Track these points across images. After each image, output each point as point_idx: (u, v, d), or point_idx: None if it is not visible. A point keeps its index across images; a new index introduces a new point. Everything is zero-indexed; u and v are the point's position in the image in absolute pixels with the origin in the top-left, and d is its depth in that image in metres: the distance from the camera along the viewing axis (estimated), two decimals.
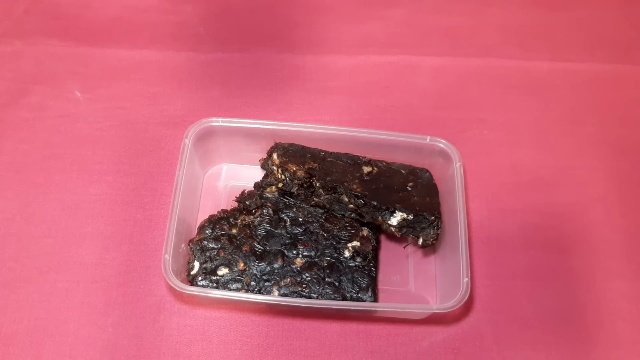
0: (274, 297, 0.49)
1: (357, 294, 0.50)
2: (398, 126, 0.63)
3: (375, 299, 0.50)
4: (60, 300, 0.52)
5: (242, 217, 0.53)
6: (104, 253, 0.54)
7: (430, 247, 0.53)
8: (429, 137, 0.55)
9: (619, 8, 0.74)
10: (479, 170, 0.61)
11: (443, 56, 0.69)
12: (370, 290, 0.50)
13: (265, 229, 0.52)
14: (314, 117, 0.64)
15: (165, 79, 0.65)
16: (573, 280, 0.56)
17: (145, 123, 0.62)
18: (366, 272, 0.51)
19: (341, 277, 0.50)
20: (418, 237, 0.51)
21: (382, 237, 0.57)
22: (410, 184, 0.54)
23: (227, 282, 0.49)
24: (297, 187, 0.52)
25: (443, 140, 0.55)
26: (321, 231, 0.52)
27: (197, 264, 0.50)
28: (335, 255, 0.51)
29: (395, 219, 0.50)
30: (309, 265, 0.50)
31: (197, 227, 0.53)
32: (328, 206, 0.52)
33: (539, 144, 0.63)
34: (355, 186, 0.51)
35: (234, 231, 0.52)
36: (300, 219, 0.53)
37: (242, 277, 0.49)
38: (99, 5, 0.70)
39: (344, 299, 0.49)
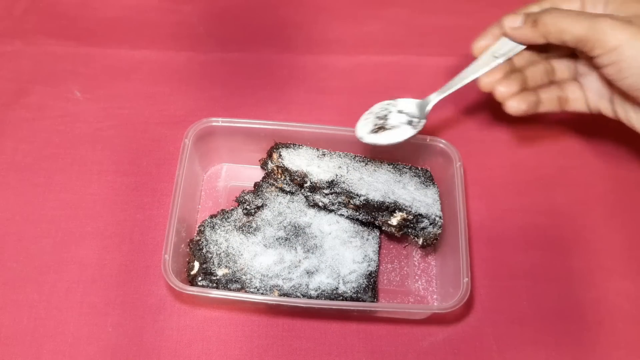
0: (274, 297, 0.49)
1: (357, 294, 0.50)
2: None
3: (375, 299, 0.50)
4: (60, 300, 0.52)
5: (242, 217, 0.53)
6: (104, 253, 0.54)
7: (430, 247, 0.53)
8: (429, 137, 0.55)
9: None
10: (479, 170, 0.61)
11: (443, 56, 0.69)
12: (370, 290, 0.50)
13: (265, 228, 0.52)
14: (314, 117, 0.64)
15: (165, 79, 0.65)
16: (573, 280, 0.56)
17: (145, 123, 0.62)
18: (366, 272, 0.51)
19: (341, 278, 0.50)
20: (418, 237, 0.51)
21: (382, 237, 0.57)
22: (411, 183, 0.54)
23: (227, 282, 0.49)
24: (297, 187, 0.52)
25: (443, 140, 0.55)
26: (322, 231, 0.52)
27: (197, 264, 0.50)
28: (336, 255, 0.51)
29: (395, 219, 0.50)
30: (309, 266, 0.50)
31: (197, 227, 0.53)
32: (328, 206, 0.52)
33: (539, 144, 0.63)
34: (355, 186, 0.51)
35: (234, 231, 0.52)
36: (300, 219, 0.53)
37: (242, 277, 0.49)
38: (99, 5, 0.70)
39: (344, 299, 0.49)
